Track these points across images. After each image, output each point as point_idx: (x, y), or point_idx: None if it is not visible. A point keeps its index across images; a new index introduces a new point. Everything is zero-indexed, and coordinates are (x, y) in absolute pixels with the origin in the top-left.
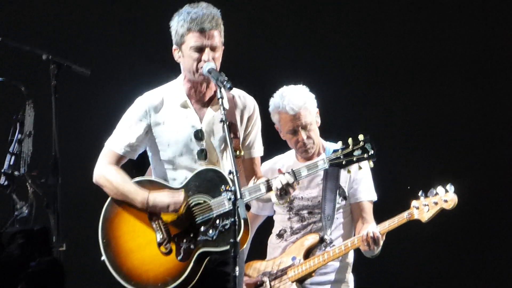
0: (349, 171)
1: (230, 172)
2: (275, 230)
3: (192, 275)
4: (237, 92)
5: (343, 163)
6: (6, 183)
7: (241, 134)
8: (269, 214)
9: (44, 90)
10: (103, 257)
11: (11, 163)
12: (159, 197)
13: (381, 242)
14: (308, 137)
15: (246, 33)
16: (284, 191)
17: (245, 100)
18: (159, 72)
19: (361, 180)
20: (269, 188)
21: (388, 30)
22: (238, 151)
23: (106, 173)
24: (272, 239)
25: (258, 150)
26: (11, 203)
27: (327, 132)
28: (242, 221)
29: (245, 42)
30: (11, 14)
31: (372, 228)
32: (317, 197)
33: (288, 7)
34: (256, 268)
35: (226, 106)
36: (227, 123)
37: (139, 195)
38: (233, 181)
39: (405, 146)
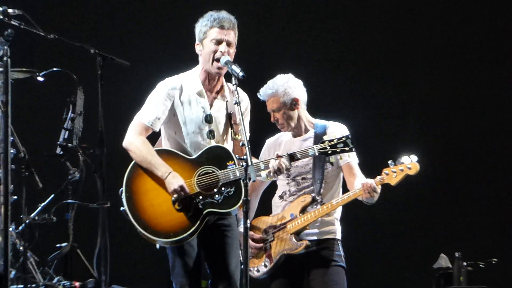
0: (332, 161)
1: (243, 144)
2: (278, 192)
3: (198, 228)
4: (237, 89)
5: (329, 152)
6: (61, 153)
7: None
8: (274, 179)
9: (92, 78)
10: (124, 208)
11: (65, 137)
12: (176, 179)
13: (378, 191)
14: (276, 119)
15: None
16: (278, 171)
17: (243, 96)
18: (179, 63)
19: None
20: (266, 167)
21: (372, 28)
22: (237, 135)
23: (137, 142)
24: (275, 200)
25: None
26: (66, 169)
27: (319, 110)
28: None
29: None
30: (65, 16)
31: (367, 180)
32: (308, 165)
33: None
34: (263, 222)
35: (229, 97)
36: (238, 106)
37: (164, 167)
38: (245, 152)
39: (379, 128)
